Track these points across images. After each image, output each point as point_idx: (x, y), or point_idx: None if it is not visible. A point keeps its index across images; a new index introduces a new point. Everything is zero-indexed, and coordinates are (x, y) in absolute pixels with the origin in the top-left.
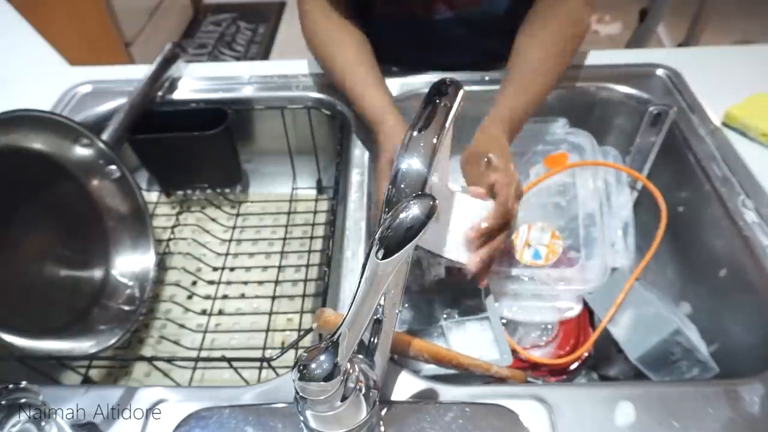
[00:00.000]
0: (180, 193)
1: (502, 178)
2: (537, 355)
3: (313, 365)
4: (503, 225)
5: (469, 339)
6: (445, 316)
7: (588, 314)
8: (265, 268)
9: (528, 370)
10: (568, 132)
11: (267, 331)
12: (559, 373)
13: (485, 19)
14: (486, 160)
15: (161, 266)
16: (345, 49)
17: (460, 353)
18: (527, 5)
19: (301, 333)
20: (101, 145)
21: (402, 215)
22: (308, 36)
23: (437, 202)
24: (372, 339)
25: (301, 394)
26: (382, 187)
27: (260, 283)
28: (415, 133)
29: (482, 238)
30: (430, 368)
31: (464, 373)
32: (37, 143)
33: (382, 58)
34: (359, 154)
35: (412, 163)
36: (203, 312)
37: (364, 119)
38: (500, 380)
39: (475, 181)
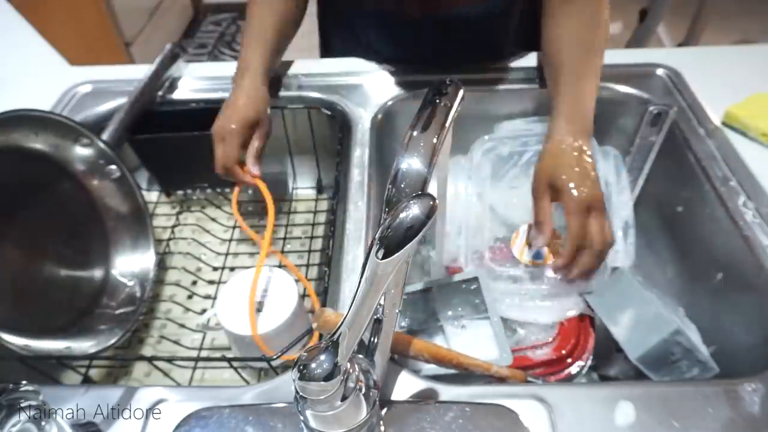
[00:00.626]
0: (180, 192)
1: (570, 206)
2: (537, 355)
3: (313, 365)
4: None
5: (469, 339)
6: (445, 316)
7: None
8: None
9: (528, 369)
10: None
11: None
12: (559, 373)
13: (482, 17)
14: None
15: (161, 266)
16: (265, 14)
17: (460, 353)
18: (523, 3)
19: (301, 333)
20: (101, 145)
21: (402, 215)
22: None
23: (437, 202)
24: (372, 339)
25: (301, 393)
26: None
27: None
28: (415, 133)
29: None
30: (430, 368)
31: (464, 373)
32: (37, 143)
33: (378, 58)
34: (359, 154)
35: (412, 163)
36: (203, 312)
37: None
38: (500, 380)
39: (542, 218)
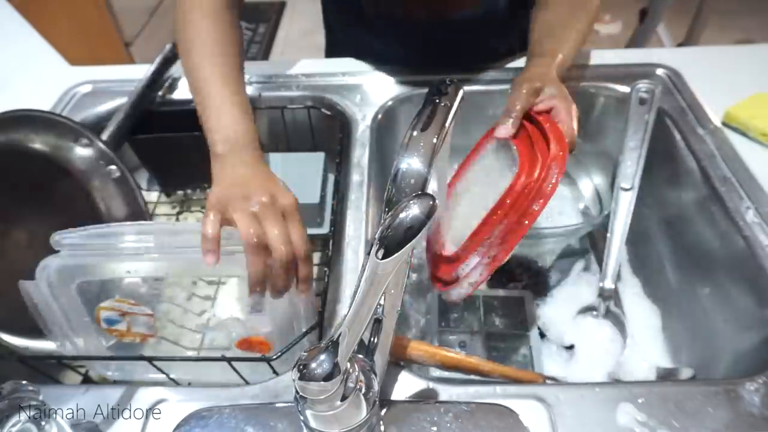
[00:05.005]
0: (180, 193)
1: (560, 102)
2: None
3: (313, 365)
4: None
5: (506, 353)
6: (487, 326)
7: None
8: None
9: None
10: None
11: None
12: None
13: (484, 19)
14: (537, 86)
15: None
16: (207, 49)
17: (481, 360)
18: (524, 3)
19: (302, 332)
20: (101, 145)
21: (402, 215)
22: (176, 26)
23: (437, 201)
24: (372, 339)
25: (301, 393)
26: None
27: None
28: (415, 133)
29: None
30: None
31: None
32: (37, 143)
33: (380, 60)
34: (359, 154)
35: (412, 163)
36: (203, 312)
37: (210, 133)
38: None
39: (523, 103)
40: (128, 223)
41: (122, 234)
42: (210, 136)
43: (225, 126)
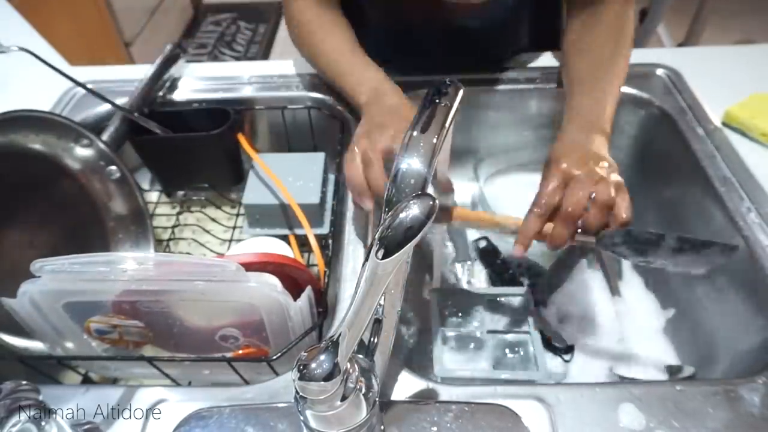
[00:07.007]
0: (181, 193)
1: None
2: None
3: (313, 365)
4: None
5: (509, 352)
6: (489, 324)
7: None
8: None
9: None
10: None
11: None
12: None
13: (486, 26)
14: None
15: None
16: (331, 35)
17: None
18: (528, 11)
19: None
20: (101, 145)
21: (402, 215)
22: (293, 27)
23: (437, 201)
24: (372, 339)
25: (301, 393)
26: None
27: None
28: (415, 133)
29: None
30: (440, 369)
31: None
32: (37, 143)
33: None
34: None
35: (412, 163)
36: None
37: (353, 93)
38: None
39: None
40: (103, 254)
41: (102, 263)
42: (354, 91)
43: (368, 78)
